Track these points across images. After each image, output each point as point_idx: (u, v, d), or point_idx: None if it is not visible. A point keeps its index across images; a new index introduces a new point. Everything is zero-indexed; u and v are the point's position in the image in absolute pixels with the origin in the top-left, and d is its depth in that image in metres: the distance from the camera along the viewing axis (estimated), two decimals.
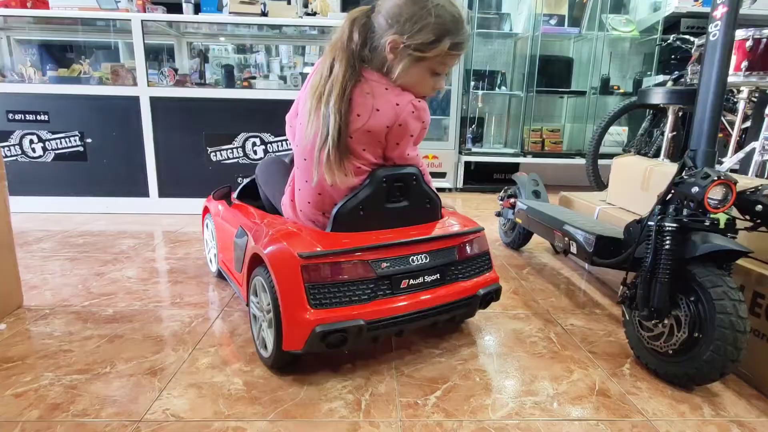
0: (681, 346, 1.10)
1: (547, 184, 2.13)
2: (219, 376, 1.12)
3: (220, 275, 1.73)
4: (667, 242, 1.11)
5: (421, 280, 1.09)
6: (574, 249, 1.52)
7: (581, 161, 3.69)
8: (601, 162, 3.31)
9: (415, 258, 1.08)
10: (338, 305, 0.99)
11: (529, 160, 3.90)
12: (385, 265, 1.04)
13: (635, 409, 1.04)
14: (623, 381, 1.16)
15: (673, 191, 1.16)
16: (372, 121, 1.04)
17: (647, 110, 3.48)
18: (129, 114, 2.67)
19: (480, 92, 3.96)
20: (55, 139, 2.67)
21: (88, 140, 2.69)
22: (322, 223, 1.13)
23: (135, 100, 2.64)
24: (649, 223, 1.17)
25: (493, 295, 1.22)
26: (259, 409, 1.00)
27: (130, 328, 1.36)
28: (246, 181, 1.63)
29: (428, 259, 1.10)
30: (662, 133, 3.06)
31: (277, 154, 2.78)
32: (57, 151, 2.69)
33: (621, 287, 1.26)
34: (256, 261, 1.14)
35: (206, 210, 1.77)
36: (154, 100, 2.66)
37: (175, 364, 1.17)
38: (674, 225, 1.11)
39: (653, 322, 1.15)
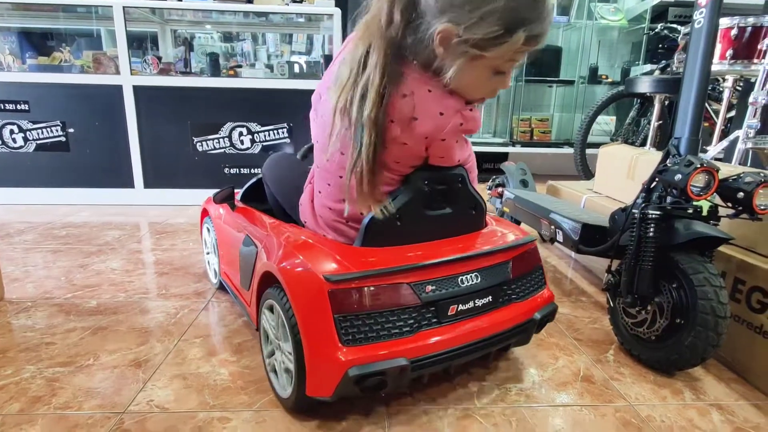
0: (663, 333, 1.12)
1: (536, 173, 2.13)
2: (205, 367, 1.12)
3: (222, 288, 1.55)
4: (651, 230, 1.11)
5: (471, 304, 0.90)
6: (560, 237, 1.53)
7: (569, 151, 3.71)
8: (588, 151, 3.33)
9: (464, 278, 0.89)
10: (375, 340, 0.80)
11: (518, 149, 3.91)
12: (430, 288, 0.85)
13: (618, 394, 1.06)
14: (607, 367, 1.17)
15: (657, 179, 1.16)
16: (407, 133, 0.82)
17: (634, 99, 3.50)
18: (112, 103, 2.61)
19: None
20: (36, 129, 2.61)
21: (71, 130, 2.64)
22: (345, 233, 0.95)
23: (118, 89, 2.59)
24: (633, 210, 1.18)
25: (550, 317, 1.05)
26: (245, 399, 1.00)
27: (114, 320, 1.34)
28: (251, 181, 1.43)
29: (479, 279, 0.92)
30: (649, 123, 3.08)
31: (265, 144, 2.75)
32: (38, 141, 2.64)
33: (606, 275, 1.27)
34: (268, 279, 0.97)
35: (205, 213, 1.58)
36: (137, 89, 2.61)
37: (160, 355, 1.16)
38: (658, 212, 1.11)
39: (637, 308, 1.17)
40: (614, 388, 1.08)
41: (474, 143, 3.91)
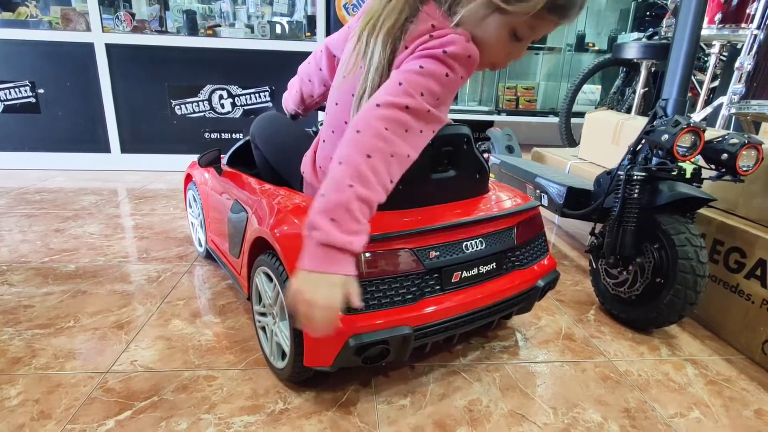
0: (643, 292, 1.14)
1: (521, 143, 2.12)
2: (189, 328, 1.10)
3: (209, 256, 1.47)
4: (635, 191, 1.12)
5: (475, 271, 0.88)
6: (545, 201, 1.53)
7: (555, 120, 3.70)
8: (573, 120, 3.32)
9: (469, 244, 0.87)
10: (377, 308, 0.77)
11: (503, 118, 3.89)
12: (434, 254, 0.82)
13: (598, 351, 1.09)
14: (588, 326, 1.20)
15: (643, 141, 1.17)
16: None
17: (620, 68, 3.49)
18: (84, 62, 2.49)
19: None
20: (2, 89, 2.49)
21: (40, 91, 2.52)
22: None
23: (89, 47, 2.47)
24: (619, 173, 1.19)
25: (552, 284, 1.04)
26: (230, 358, 0.99)
27: (94, 283, 1.31)
28: (238, 143, 1.31)
29: (484, 245, 0.89)
30: (634, 92, 3.08)
31: (246, 108, 2.67)
32: (6, 103, 2.51)
33: (589, 237, 1.29)
34: (260, 246, 0.94)
35: (189, 178, 1.50)
36: (110, 48, 2.49)
37: (142, 317, 1.15)
38: (642, 174, 1.12)
39: (618, 269, 1.19)
40: (594, 345, 1.11)
41: (459, 111, 3.88)
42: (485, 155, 2.14)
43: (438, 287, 0.84)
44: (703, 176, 1.14)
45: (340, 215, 0.63)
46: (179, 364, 0.97)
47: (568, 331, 1.17)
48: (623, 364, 1.04)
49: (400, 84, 0.68)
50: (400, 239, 0.80)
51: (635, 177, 1.12)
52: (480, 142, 2.26)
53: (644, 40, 2.70)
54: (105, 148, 2.65)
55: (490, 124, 4.04)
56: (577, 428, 0.84)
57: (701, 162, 1.14)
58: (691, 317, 1.25)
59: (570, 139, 3.35)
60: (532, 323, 1.20)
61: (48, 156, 2.62)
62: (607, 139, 1.81)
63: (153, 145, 2.68)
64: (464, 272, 0.87)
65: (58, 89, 2.53)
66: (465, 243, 0.87)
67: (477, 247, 0.88)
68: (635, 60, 2.39)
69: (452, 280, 0.86)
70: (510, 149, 2.09)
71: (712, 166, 1.10)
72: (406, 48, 0.73)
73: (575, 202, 1.42)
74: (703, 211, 1.22)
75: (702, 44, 2.38)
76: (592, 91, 3.98)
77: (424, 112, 0.69)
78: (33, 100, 2.52)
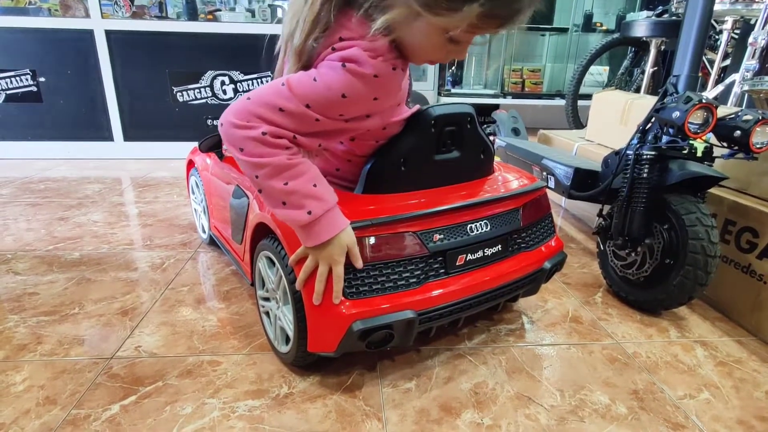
0: (652, 274, 1.12)
1: (527, 126, 2.09)
2: (192, 314, 1.10)
3: (212, 242, 1.47)
4: (645, 170, 1.10)
5: (480, 254, 0.86)
6: (552, 183, 1.51)
7: (562, 102, 3.64)
8: (580, 103, 3.27)
9: (473, 226, 0.85)
10: (381, 293, 0.76)
11: (509, 101, 3.83)
12: (438, 237, 0.81)
13: (605, 333, 1.07)
14: (595, 308, 1.18)
15: (653, 119, 1.13)
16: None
17: (629, 48, 3.41)
18: (84, 49, 2.47)
19: None
20: (3, 78, 2.47)
21: (41, 79, 2.50)
22: (341, 178, 0.89)
23: (89, 34, 2.44)
24: (628, 152, 1.16)
25: (559, 266, 1.02)
26: (234, 344, 0.99)
27: (98, 270, 1.31)
28: None
29: (489, 227, 0.87)
30: (643, 72, 3.02)
31: None
32: (8, 92, 2.50)
33: (597, 219, 1.27)
34: (262, 231, 0.92)
35: (191, 164, 1.49)
36: (110, 34, 2.46)
37: (146, 303, 1.15)
38: (652, 153, 1.09)
39: (627, 251, 1.17)
40: (602, 328, 1.09)
41: (464, 95, 3.83)
42: (491, 138, 2.11)
43: (442, 270, 0.83)
44: (714, 154, 1.11)
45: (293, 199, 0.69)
46: (183, 350, 0.97)
47: (575, 313, 1.16)
48: (631, 346, 1.03)
49: (283, 84, 0.67)
50: (404, 223, 0.78)
51: (645, 156, 1.10)
52: (485, 125, 2.23)
53: (653, 17, 2.64)
54: (108, 136, 2.64)
55: (496, 107, 3.98)
56: (585, 410, 0.83)
57: (713, 140, 1.11)
58: (700, 299, 1.23)
59: (577, 121, 3.30)
60: (538, 306, 1.18)
61: (51, 145, 2.61)
62: (614, 119, 1.77)
63: (155, 133, 2.66)
64: (469, 255, 0.85)
65: (59, 77, 2.51)
66: (470, 225, 0.85)
67: (482, 229, 0.86)
68: (644, 38, 2.33)
69: (457, 263, 0.84)
70: (516, 132, 2.06)
71: (724, 144, 1.07)
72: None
73: (582, 183, 1.40)
74: (714, 190, 1.19)
75: (713, 21, 2.32)
76: (599, 72, 3.91)
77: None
78: (34, 88, 2.51)
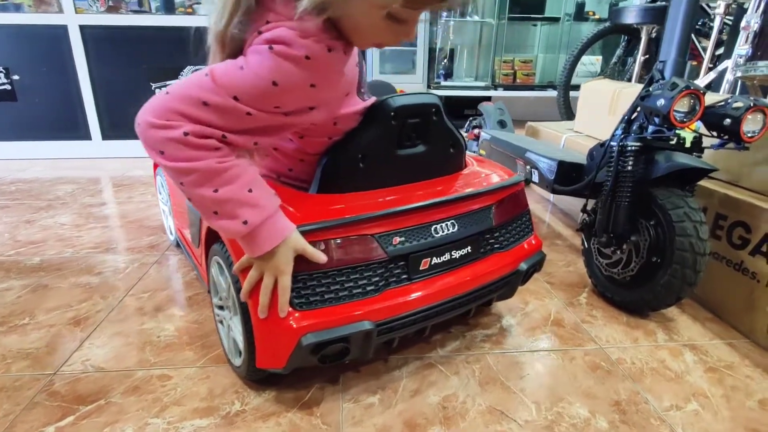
0: (639, 273, 1.05)
1: (519, 118, 2.03)
2: (149, 323, 1.03)
3: (179, 246, 1.39)
4: (629, 163, 1.03)
5: (447, 257, 0.80)
6: (536, 178, 1.44)
7: (554, 94, 3.57)
8: (572, 93, 3.19)
9: (439, 227, 0.78)
10: (334, 302, 0.70)
11: (500, 93, 3.75)
12: (398, 240, 0.74)
13: (588, 338, 1.01)
14: (579, 310, 1.12)
15: (638, 108, 1.06)
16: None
17: (621, 37, 3.33)
18: (58, 46, 2.39)
19: (449, 20, 3.71)
20: None
21: (15, 77, 2.42)
22: (294, 179, 0.82)
23: (63, 30, 2.36)
24: (612, 144, 1.09)
25: (537, 266, 0.96)
26: (189, 356, 0.92)
27: (57, 277, 1.24)
28: None
29: (457, 228, 0.80)
30: (636, 61, 2.94)
31: None
32: None
33: (581, 214, 1.20)
34: (215, 235, 0.84)
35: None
36: (84, 29, 2.38)
37: (102, 311, 1.08)
38: (637, 144, 1.02)
39: (612, 248, 1.10)
40: (585, 331, 1.03)
41: (453, 87, 3.74)
42: (476, 131, 2.04)
43: (404, 276, 0.76)
44: (704, 145, 1.04)
45: (228, 208, 0.62)
46: (133, 363, 0.90)
47: (557, 316, 1.09)
48: (615, 352, 0.96)
49: (206, 75, 0.59)
50: (360, 225, 0.71)
51: (629, 148, 1.03)
52: (472, 117, 2.15)
53: (645, 3, 2.56)
54: (86, 135, 2.56)
55: (488, 99, 3.91)
56: (561, 425, 0.76)
57: (702, 129, 1.04)
58: (691, 298, 1.16)
59: (569, 112, 3.23)
60: (518, 308, 1.12)
61: (27, 145, 2.54)
62: (603, 110, 1.70)
63: (134, 131, 2.58)
64: (434, 258, 0.78)
65: (33, 75, 2.43)
66: (434, 226, 0.78)
67: (448, 230, 0.80)
68: (635, 25, 2.26)
69: (420, 268, 0.77)
70: (502, 124, 1.98)
71: (714, 133, 1.00)
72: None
73: (567, 177, 1.33)
74: (704, 182, 1.12)
75: (705, 5, 2.24)
76: (591, 62, 3.82)
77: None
78: (8, 87, 2.43)
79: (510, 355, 0.94)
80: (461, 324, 1.04)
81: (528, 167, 1.47)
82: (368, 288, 0.72)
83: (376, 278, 0.73)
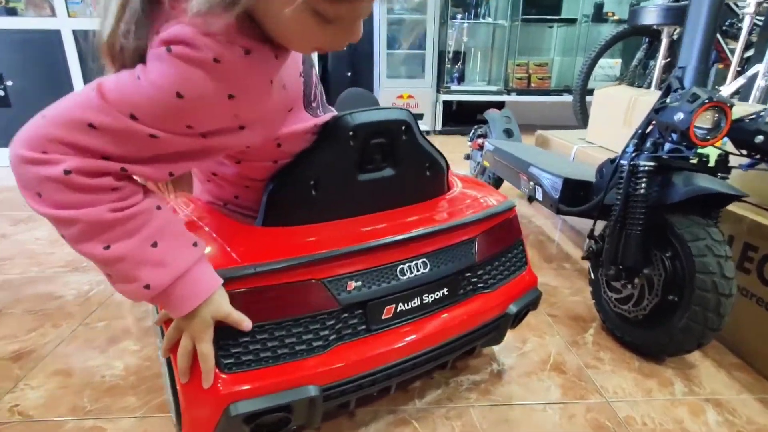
0: (653, 311, 0.91)
1: (534, 124, 1.89)
2: (97, 359, 0.93)
3: None
4: (642, 185, 0.89)
5: (416, 302, 0.67)
6: (539, 195, 1.30)
7: (571, 99, 3.40)
8: (589, 98, 3.03)
9: (406, 267, 0.66)
10: (271, 362, 0.57)
11: (514, 98, 3.60)
12: (354, 285, 0.62)
13: (593, 388, 0.87)
14: (583, 351, 0.97)
15: (654, 122, 0.92)
16: None
17: (642, 39, 3.16)
18: (52, 51, 2.34)
19: (462, 22, 3.58)
20: None
21: (9, 83, 2.38)
22: (242, 207, 0.70)
23: (56, 34, 2.31)
24: (621, 161, 0.95)
25: (531, 307, 0.83)
26: (130, 402, 0.82)
27: (13, 301, 1.15)
28: None
29: (429, 267, 0.68)
30: (657, 65, 2.77)
31: None
32: None
33: (587, 240, 1.06)
34: None
35: None
36: (79, 34, 2.32)
37: (50, 344, 0.98)
38: (651, 164, 0.88)
39: (622, 282, 0.96)
40: (589, 380, 0.89)
41: (465, 92, 3.60)
42: (480, 140, 1.91)
43: (362, 327, 0.64)
44: (731, 164, 0.89)
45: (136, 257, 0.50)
46: (66, 411, 0.79)
47: (558, 358, 0.95)
48: (624, 407, 0.82)
49: (93, 90, 0.45)
50: (302, 268, 0.59)
51: (641, 167, 0.89)
52: (477, 126, 2.02)
53: (667, 3, 2.38)
54: None
55: (500, 105, 3.75)
56: None
57: (729, 146, 0.89)
58: (715, 339, 1.01)
59: (585, 119, 3.05)
60: (515, 348, 0.98)
61: None
62: (617, 119, 1.55)
63: None
64: (400, 305, 0.66)
65: (27, 81, 2.38)
66: (400, 266, 0.66)
67: (418, 270, 0.67)
68: (655, 26, 2.09)
69: (382, 317, 0.65)
70: (509, 133, 1.84)
71: (744, 152, 0.86)
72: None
73: (573, 196, 1.19)
74: (732, 206, 0.97)
75: (733, 4, 2.06)
76: (610, 65, 3.64)
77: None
78: (2, 92, 2.38)
79: (499, 409, 0.81)
80: (446, 368, 0.91)
81: (531, 183, 1.34)
82: (315, 344, 0.60)
83: (325, 332, 0.61)
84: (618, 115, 1.54)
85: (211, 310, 0.53)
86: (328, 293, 0.60)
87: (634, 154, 0.91)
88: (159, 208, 0.51)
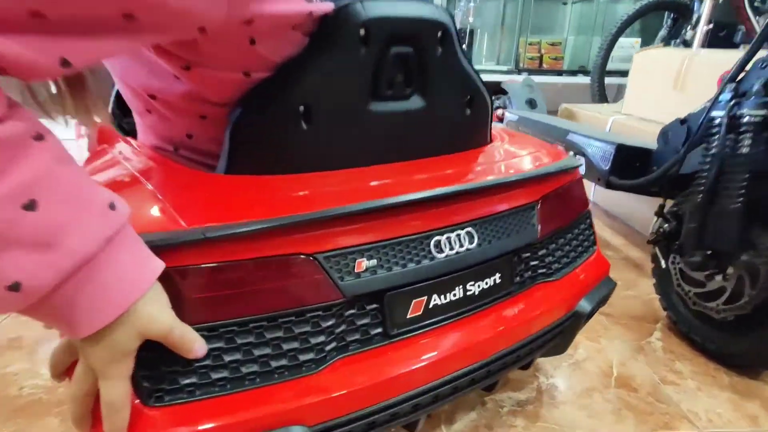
0: (751, 310, 0.69)
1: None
2: (19, 363, 0.71)
3: None
4: (745, 143, 0.66)
5: (458, 293, 0.45)
6: (582, 168, 1.07)
7: (584, 80, 3.19)
8: (607, 81, 2.83)
9: (444, 240, 0.44)
10: (230, 389, 0.35)
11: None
12: (365, 264, 0.39)
13: (677, 413, 0.65)
14: (653, 360, 0.76)
15: (761, 64, 0.70)
16: None
17: (666, 14, 2.94)
18: None
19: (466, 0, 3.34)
20: None
21: None
22: (197, 151, 0.48)
23: None
24: (713, 114, 0.72)
25: (603, 303, 0.60)
26: (49, 424, 0.59)
27: None
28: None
29: (476, 242, 0.46)
30: (684, 42, 2.54)
31: None
32: None
33: (654, 220, 0.83)
34: None
35: None
36: None
37: None
38: (761, 113, 0.66)
39: (708, 272, 0.73)
40: (670, 401, 0.67)
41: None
42: (499, 111, 1.68)
43: (378, 332, 0.41)
44: None
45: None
46: None
47: (622, 370, 0.73)
48: None
49: None
50: (283, 235, 0.36)
51: (746, 119, 0.66)
52: (494, 96, 1.79)
53: None
54: None
55: None
56: None
57: None
58: None
59: (603, 99, 2.85)
60: (564, 355, 0.76)
61: None
62: (666, 84, 1.32)
63: None
64: (435, 298, 0.43)
65: None
66: (435, 239, 0.43)
67: (461, 245, 0.44)
68: None
69: (408, 315, 0.42)
70: (531, 104, 1.62)
71: None
72: None
73: (628, 166, 0.96)
74: None
75: None
76: (631, 44, 3.41)
77: None
78: None
79: None
80: (494, 390, 0.69)
81: (571, 153, 1.11)
82: (302, 358, 0.37)
83: (320, 338, 0.38)
84: (666, 79, 1.32)
85: (137, 327, 0.30)
86: (324, 276, 0.37)
87: (732, 104, 0.69)
88: (41, 138, 0.28)
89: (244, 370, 0.36)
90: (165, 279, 0.32)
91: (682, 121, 0.86)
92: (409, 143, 0.49)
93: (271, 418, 0.35)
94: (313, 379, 0.37)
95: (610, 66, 2.95)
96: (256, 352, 0.36)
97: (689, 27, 2.32)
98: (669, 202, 0.83)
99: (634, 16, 2.75)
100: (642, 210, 1.24)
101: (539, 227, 0.51)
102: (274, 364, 0.36)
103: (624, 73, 3.12)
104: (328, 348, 0.38)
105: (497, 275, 0.48)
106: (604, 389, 0.69)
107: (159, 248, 0.32)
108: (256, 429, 0.35)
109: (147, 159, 0.47)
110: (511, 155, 0.57)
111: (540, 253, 0.53)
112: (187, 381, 0.34)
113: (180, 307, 0.33)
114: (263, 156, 0.42)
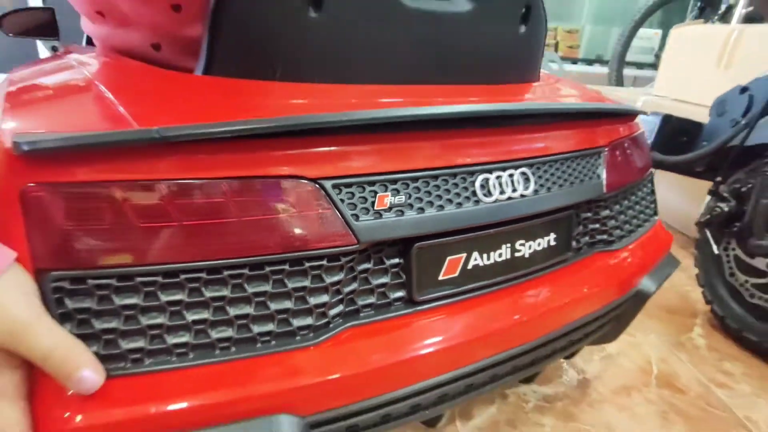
0: None
1: None
2: None
3: None
4: None
5: (505, 252, 0.35)
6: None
7: (601, 70, 3.08)
8: (625, 72, 2.72)
9: (494, 179, 0.33)
10: (196, 360, 0.25)
11: None
12: (388, 201, 0.29)
13: (734, 420, 0.55)
14: (697, 359, 0.66)
15: None
16: None
17: (691, 3, 2.82)
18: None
19: None
20: None
21: None
22: (168, 63, 0.37)
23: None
24: None
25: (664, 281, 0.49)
26: None
27: None
28: None
29: (532, 186, 0.35)
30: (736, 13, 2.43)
31: None
32: None
33: (708, 198, 0.73)
34: None
35: None
36: None
37: None
38: None
39: None
40: (725, 407, 0.57)
41: None
42: None
43: (399, 295, 0.31)
44: None
45: None
46: None
47: (663, 367, 0.63)
48: None
49: None
50: (273, 148, 0.26)
51: None
52: None
53: None
54: None
55: None
56: None
57: None
58: None
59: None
60: (596, 349, 0.66)
61: None
62: (709, 61, 1.21)
63: None
64: (475, 256, 0.33)
65: None
66: (484, 176, 0.32)
67: (514, 188, 0.34)
68: None
69: (440, 276, 0.31)
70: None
71: None
72: None
73: (674, 141, 0.85)
74: None
75: None
76: (650, 36, 3.28)
77: None
78: None
79: None
80: (532, 381, 0.59)
81: None
82: (298, 324, 0.27)
83: (323, 298, 0.27)
84: (708, 57, 1.21)
85: None
86: (332, 211, 0.27)
87: None
88: None
89: (213, 334, 0.25)
90: (99, 199, 0.22)
91: (743, 90, 0.75)
92: (448, 62, 0.38)
93: (249, 403, 0.25)
94: (309, 353, 0.26)
95: (630, 57, 2.85)
96: (232, 311, 0.25)
97: (716, 17, 2.20)
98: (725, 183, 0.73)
99: (658, 3, 2.65)
100: (670, 198, 1.14)
101: (605, 180, 0.40)
102: (256, 329, 0.26)
103: (641, 65, 3.00)
104: (332, 312, 0.28)
105: (552, 236, 0.37)
106: (644, 388, 0.59)
107: (93, 154, 0.21)
108: (228, 417, 0.24)
109: (105, 60, 0.36)
110: (569, 94, 0.46)
111: (603, 214, 0.42)
112: (132, 345, 0.24)
113: (123, 238, 0.22)
114: (253, 53, 0.31)
